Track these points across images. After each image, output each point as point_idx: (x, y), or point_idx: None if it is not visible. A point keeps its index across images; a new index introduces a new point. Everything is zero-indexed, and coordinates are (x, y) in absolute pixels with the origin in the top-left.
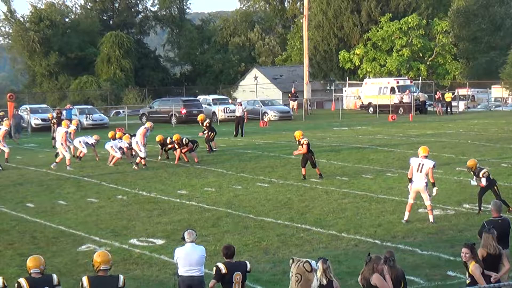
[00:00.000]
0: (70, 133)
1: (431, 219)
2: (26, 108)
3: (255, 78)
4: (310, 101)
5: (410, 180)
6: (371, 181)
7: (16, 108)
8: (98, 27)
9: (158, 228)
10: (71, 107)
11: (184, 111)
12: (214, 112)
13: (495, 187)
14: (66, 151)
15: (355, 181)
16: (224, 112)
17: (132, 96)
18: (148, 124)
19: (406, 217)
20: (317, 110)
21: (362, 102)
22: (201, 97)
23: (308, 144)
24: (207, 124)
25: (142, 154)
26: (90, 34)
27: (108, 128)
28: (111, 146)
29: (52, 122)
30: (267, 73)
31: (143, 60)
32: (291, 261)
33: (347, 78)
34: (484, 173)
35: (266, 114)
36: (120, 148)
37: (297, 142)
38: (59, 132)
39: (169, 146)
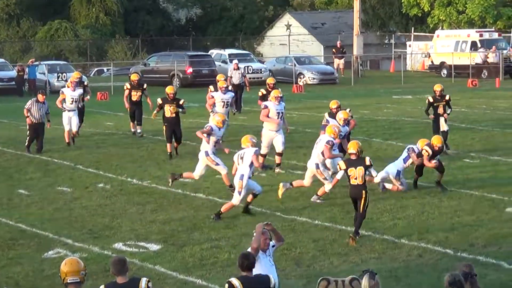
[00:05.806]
0: None
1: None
2: None
3: (288, 27)
4: (361, 59)
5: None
6: None
7: None
8: None
9: (152, 228)
10: (36, 62)
11: (190, 70)
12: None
13: None
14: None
15: None
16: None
17: (121, 49)
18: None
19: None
20: (371, 71)
21: (432, 62)
22: (214, 52)
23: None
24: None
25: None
26: None
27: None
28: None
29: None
30: (304, 21)
31: (135, 0)
32: (323, 283)
33: (413, 28)
34: None
35: (302, 76)
36: None
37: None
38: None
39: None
